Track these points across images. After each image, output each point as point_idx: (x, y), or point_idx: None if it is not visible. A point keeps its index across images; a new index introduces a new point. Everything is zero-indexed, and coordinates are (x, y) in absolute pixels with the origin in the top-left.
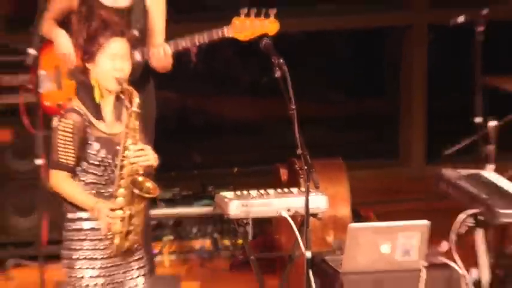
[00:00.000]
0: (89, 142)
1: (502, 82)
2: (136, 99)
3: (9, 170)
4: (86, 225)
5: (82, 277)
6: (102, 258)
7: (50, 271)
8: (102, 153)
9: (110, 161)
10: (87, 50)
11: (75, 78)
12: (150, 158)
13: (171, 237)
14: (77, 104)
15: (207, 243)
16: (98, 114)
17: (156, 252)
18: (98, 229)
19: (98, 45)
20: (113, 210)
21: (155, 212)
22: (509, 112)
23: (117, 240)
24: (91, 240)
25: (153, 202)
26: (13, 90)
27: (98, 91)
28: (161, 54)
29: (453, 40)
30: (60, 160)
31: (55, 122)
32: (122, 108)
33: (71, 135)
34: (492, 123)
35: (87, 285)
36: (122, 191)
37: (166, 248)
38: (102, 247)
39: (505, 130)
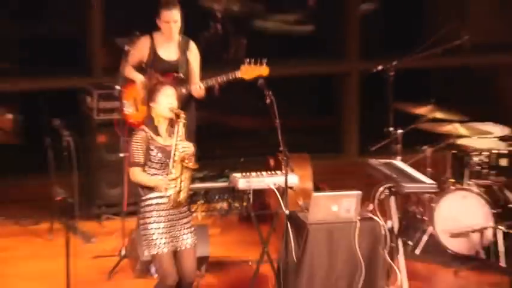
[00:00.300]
0: (151, 149)
1: (406, 106)
2: (183, 115)
3: (104, 160)
4: (153, 201)
5: (153, 234)
6: (164, 221)
7: (127, 222)
8: (159, 155)
9: (164, 160)
10: (151, 96)
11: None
12: (191, 150)
13: (202, 201)
14: (144, 127)
15: (224, 205)
16: (157, 133)
17: (193, 211)
18: (161, 203)
19: (157, 91)
20: (170, 180)
21: (192, 186)
22: (411, 123)
23: (172, 196)
24: (156, 211)
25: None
26: (108, 111)
27: (158, 119)
28: (198, 88)
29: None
30: (135, 160)
31: (132, 137)
32: (171, 129)
33: (140, 144)
34: (399, 131)
35: (156, 238)
36: (174, 170)
37: (199, 208)
38: (164, 214)
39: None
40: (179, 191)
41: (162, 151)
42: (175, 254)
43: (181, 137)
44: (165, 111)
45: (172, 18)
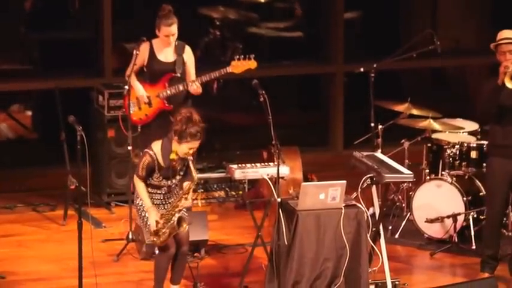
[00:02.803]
0: (156, 172)
1: (386, 104)
2: (190, 194)
3: (113, 152)
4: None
5: (144, 214)
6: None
7: (134, 209)
8: (161, 178)
9: (165, 182)
10: (180, 137)
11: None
12: (190, 202)
13: (202, 190)
14: (155, 149)
15: (222, 193)
16: (169, 163)
17: (193, 198)
18: (153, 193)
19: (186, 139)
20: (157, 222)
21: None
22: (390, 119)
23: (154, 238)
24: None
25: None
26: (117, 109)
27: (174, 154)
28: (195, 85)
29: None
30: (139, 173)
31: (143, 154)
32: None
33: (145, 165)
34: (380, 126)
35: (146, 216)
36: (163, 216)
37: (199, 196)
38: (155, 203)
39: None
40: (159, 237)
41: (164, 174)
42: None
43: (185, 197)
44: (181, 155)
45: (171, 33)
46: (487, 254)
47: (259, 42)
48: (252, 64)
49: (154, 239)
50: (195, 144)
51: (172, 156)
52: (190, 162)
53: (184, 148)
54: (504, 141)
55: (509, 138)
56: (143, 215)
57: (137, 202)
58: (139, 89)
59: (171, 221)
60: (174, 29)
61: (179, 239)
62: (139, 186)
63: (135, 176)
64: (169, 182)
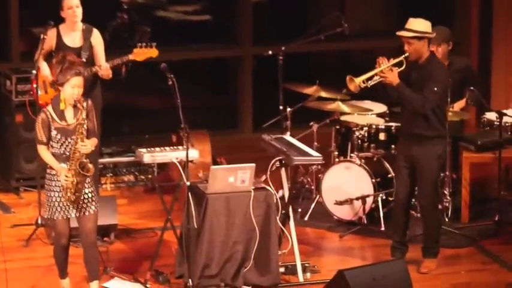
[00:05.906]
0: (52, 130)
1: (295, 87)
2: (90, 142)
3: (21, 137)
4: (53, 172)
5: (51, 201)
6: (61, 191)
7: (43, 194)
8: (58, 136)
9: (63, 140)
10: (60, 81)
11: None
12: (89, 148)
13: (111, 174)
14: (48, 108)
15: (131, 177)
16: (61, 115)
17: (102, 183)
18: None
19: (66, 78)
20: (66, 176)
21: (102, 160)
22: (299, 102)
23: (68, 194)
24: (56, 181)
25: (100, 154)
26: (25, 94)
27: (63, 103)
28: (104, 69)
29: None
30: (39, 139)
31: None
32: (76, 112)
33: (40, 125)
34: (289, 109)
35: (54, 205)
36: (71, 168)
37: (108, 180)
38: (60, 184)
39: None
40: (74, 191)
41: (61, 131)
42: (77, 218)
43: (81, 137)
44: (70, 100)
45: (74, 4)
46: (395, 239)
47: (168, 25)
48: (154, 52)
49: (69, 195)
50: (77, 80)
51: (62, 106)
52: (79, 104)
53: (69, 89)
54: (404, 127)
55: (403, 123)
56: (50, 194)
57: (46, 182)
58: (45, 71)
59: (77, 170)
60: (77, 0)
61: (83, 232)
62: (43, 152)
63: (37, 146)
64: (69, 140)
